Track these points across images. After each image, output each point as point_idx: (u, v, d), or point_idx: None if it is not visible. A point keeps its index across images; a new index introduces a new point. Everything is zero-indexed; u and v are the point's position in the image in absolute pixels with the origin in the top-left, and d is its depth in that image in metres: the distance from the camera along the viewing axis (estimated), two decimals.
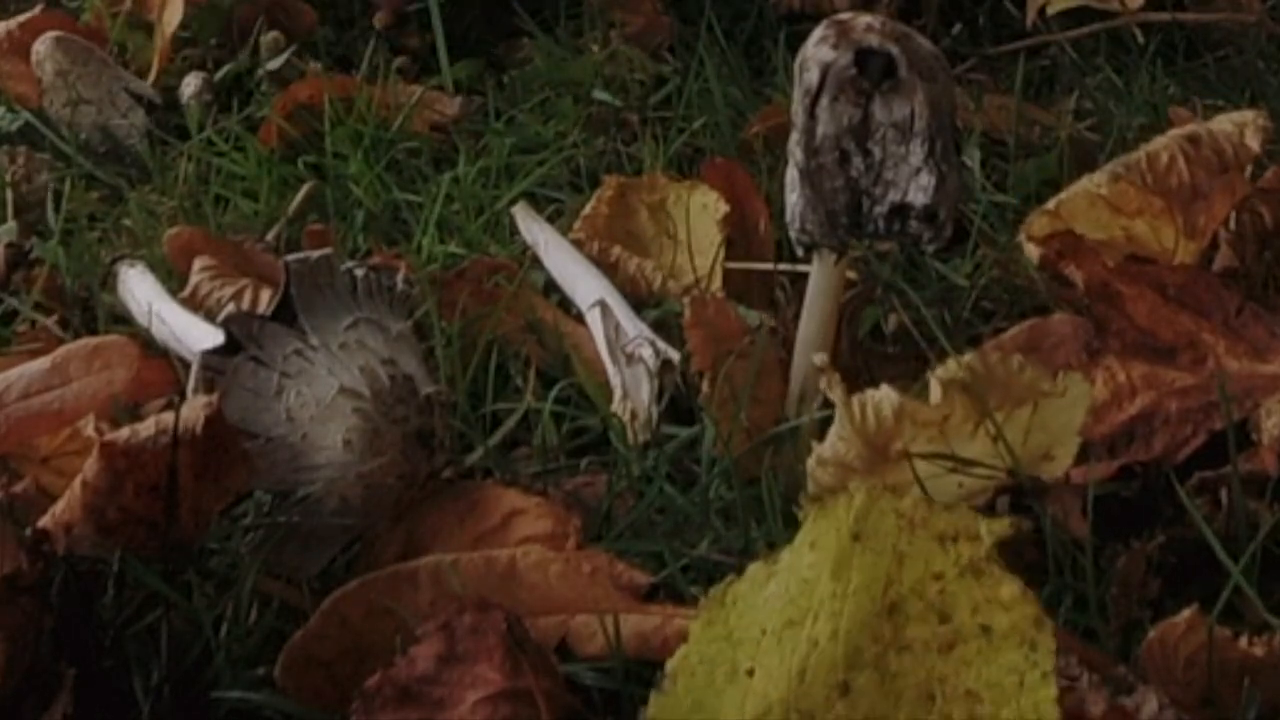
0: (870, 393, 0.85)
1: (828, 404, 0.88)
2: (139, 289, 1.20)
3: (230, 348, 0.94)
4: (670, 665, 0.70)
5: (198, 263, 1.25)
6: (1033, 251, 1.11)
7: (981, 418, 0.86)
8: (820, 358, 0.95)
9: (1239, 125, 1.13)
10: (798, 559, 0.70)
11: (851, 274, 1.11)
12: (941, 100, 0.96)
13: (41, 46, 1.61)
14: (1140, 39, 1.62)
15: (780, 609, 0.69)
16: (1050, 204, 1.11)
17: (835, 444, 0.86)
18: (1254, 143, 1.11)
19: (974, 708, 0.67)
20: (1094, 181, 1.11)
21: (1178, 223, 1.09)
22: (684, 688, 0.69)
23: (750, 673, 0.69)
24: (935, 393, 0.85)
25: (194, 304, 1.21)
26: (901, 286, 1.15)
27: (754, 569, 0.71)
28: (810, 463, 0.87)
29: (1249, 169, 1.13)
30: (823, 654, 0.68)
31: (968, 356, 0.85)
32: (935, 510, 0.69)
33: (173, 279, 1.26)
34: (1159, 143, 1.13)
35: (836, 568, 0.69)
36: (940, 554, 0.68)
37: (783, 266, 1.18)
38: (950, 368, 0.85)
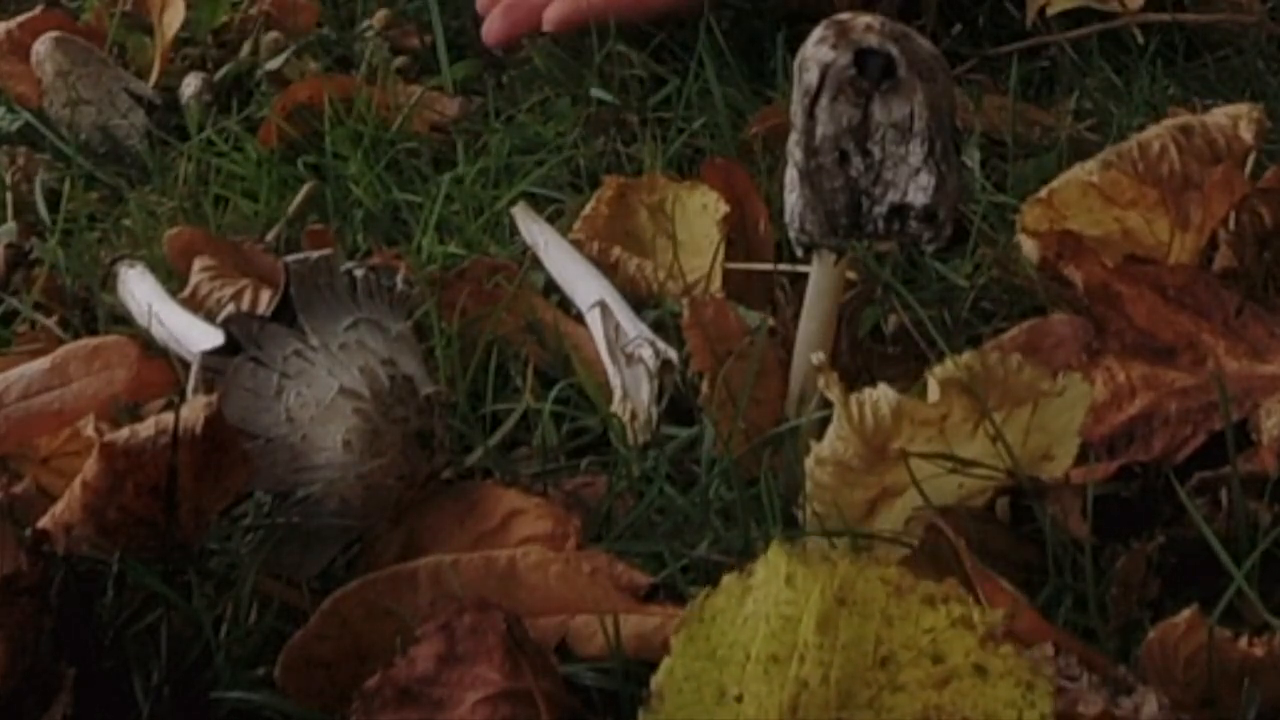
0: (868, 391, 0.85)
1: (827, 404, 0.88)
2: (139, 289, 1.20)
3: (230, 348, 0.94)
4: (656, 682, 0.69)
5: (198, 263, 1.25)
6: (1029, 246, 1.11)
7: (981, 417, 0.86)
8: (817, 357, 0.95)
9: (1233, 118, 1.13)
10: (774, 588, 0.69)
11: (851, 274, 1.11)
12: (941, 100, 0.96)
13: (41, 46, 1.61)
14: (1140, 39, 1.62)
15: (763, 639, 0.69)
16: (1042, 193, 1.11)
17: (833, 443, 0.86)
18: (1247, 135, 1.11)
19: None
20: (1086, 169, 1.11)
21: (1171, 215, 1.09)
22: (672, 706, 0.69)
23: (739, 699, 0.69)
24: (933, 391, 0.85)
25: (194, 304, 1.21)
26: (900, 288, 1.15)
27: (729, 583, 0.70)
28: (809, 462, 0.87)
29: (1248, 167, 1.13)
30: (814, 695, 0.68)
31: (966, 355, 0.85)
32: (922, 579, 0.69)
33: (173, 279, 1.26)
34: (1151, 132, 1.13)
35: (822, 623, 0.68)
36: (930, 612, 0.68)
37: (783, 266, 1.18)
38: (948, 367, 0.85)
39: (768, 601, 0.69)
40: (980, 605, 0.68)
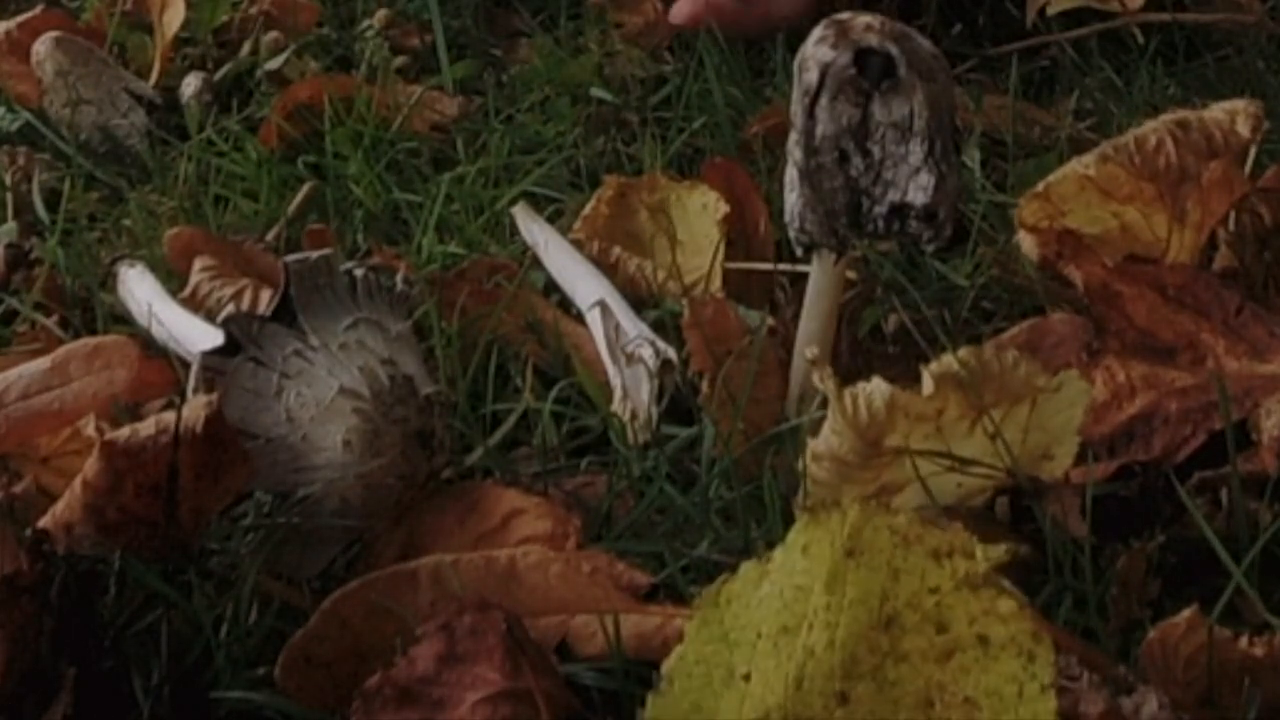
0: (861, 385, 0.85)
1: (827, 404, 0.88)
2: (139, 289, 1.20)
3: (230, 348, 0.94)
4: (667, 666, 0.70)
5: (198, 263, 1.25)
6: (1029, 242, 1.11)
7: (978, 414, 0.86)
8: (812, 350, 0.95)
9: (1230, 113, 1.13)
10: (790, 562, 0.70)
11: (851, 274, 1.11)
12: (941, 100, 0.96)
13: (41, 46, 1.61)
14: (1140, 39, 1.62)
15: (775, 613, 0.69)
16: (1039, 187, 1.11)
17: (829, 438, 0.86)
18: (1244, 130, 1.11)
19: (972, 714, 0.67)
20: (1083, 163, 1.10)
21: (1169, 210, 1.09)
22: (681, 689, 0.69)
23: (747, 677, 0.69)
24: (927, 385, 0.84)
25: (194, 304, 1.21)
26: (901, 286, 1.15)
27: (747, 568, 0.71)
28: (806, 458, 0.87)
29: (1248, 166, 1.13)
30: (819, 663, 0.68)
31: (961, 351, 0.85)
32: (929, 527, 0.69)
33: (173, 279, 1.26)
34: (1148, 126, 1.12)
35: (831, 580, 0.68)
36: (936, 569, 0.68)
37: (783, 266, 1.18)
38: (943, 362, 0.85)
39: (783, 577, 0.69)
40: (984, 546, 0.68)
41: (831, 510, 0.69)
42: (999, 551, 0.68)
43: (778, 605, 0.69)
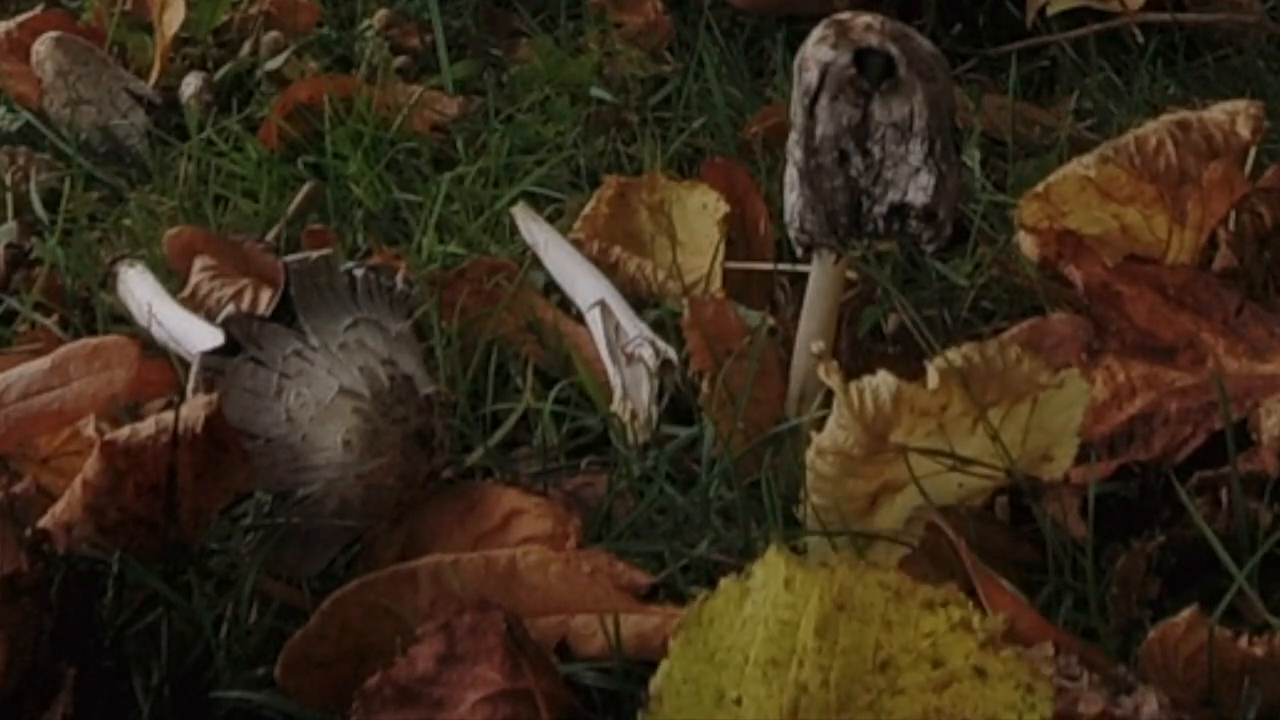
0: (868, 379, 0.85)
1: (828, 404, 0.88)
2: (139, 289, 1.20)
3: (230, 348, 0.94)
4: (654, 684, 0.69)
5: (198, 263, 1.25)
6: (1029, 243, 1.11)
7: (980, 411, 0.86)
8: (817, 345, 0.95)
9: (1231, 114, 1.13)
10: (773, 590, 0.69)
11: (851, 274, 1.11)
12: (941, 100, 0.96)
13: (41, 46, 1.61)
14: (1140, 39, 1.63)
15: (761, 643, 0.69)
16: (1039, 187, 1.11)
17: (834, 432, 0.86)
18: (1244, 131, 1.11)
19: None
20: (1083, 164, 1.10)
21: (1169, 211, 1.09)
22: (671, 708, 0.69)
23: (738, 701, 0.69)
24: (933, 378, 0.84)
25: (194, 304, 1.21)
26: (901, 287, 1.15)
27: (727, 586, 0.70)
28: (809, 454, 0.87)
29: (1248, 166, 1.13)
30: (814, 698, 0.68)
31: (965, 346, 0.85)
32: (921, 584, 0.68)
33: (173, 279, 1.26)
34: (1149, 127, 1.12)
35: (821, 628, 0.68)
36: (929, 616, 0.68)
37: (783, 266, 1.18)
38: (948, 357, 0.85)
39: (766, 604, 0.69)
40: (980, 610, 0.68)
41: (819, 568, 0.69)
42: (998, 621, 0.68)
43: (763, 635, 0.69)
